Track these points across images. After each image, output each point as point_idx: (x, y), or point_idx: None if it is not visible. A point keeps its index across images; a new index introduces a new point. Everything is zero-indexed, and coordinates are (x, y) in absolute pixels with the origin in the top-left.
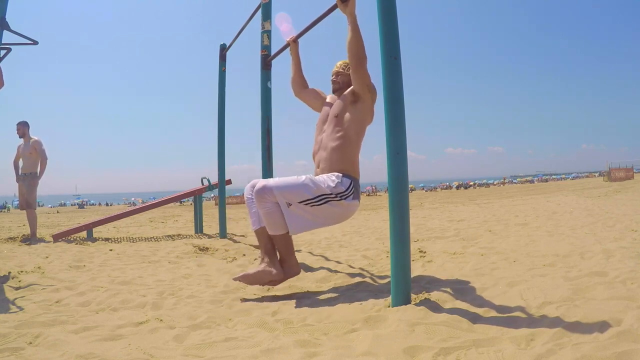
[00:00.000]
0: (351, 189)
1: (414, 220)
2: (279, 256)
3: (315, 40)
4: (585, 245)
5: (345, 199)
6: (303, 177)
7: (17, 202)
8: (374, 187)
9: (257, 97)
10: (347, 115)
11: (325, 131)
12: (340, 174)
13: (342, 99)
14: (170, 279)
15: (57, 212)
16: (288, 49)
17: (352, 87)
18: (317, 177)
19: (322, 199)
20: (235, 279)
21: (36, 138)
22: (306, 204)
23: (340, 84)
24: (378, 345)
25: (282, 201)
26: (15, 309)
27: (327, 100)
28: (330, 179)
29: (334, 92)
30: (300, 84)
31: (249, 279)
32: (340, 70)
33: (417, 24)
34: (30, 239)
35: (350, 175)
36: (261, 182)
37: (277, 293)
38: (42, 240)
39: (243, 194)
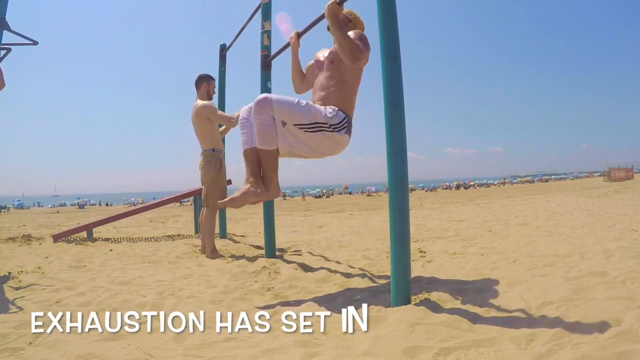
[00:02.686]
0: (344, 123)
1: (414, 220)
2: (264, 174)
3: (317, 40)
4: (585, 245)
5: (337, 131)
6: (303, 102)
7: (18, 202)
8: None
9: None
10: (343, 61)
11: (322, 75)
12: (337, 108)
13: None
14: (170, 279)
15: (57, 212)
16: (288, 49)
17: None
18: (315, 105)
19: (316, 126)
20: (221, 204)
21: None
22: (300, 128)
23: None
24: (378, 345)
25: (278, 118)
26: (15, 309)
27: (319, 53)
28: (327, 110)
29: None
30: (301, 82)
31: (236, 202)
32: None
33: (417, 24)
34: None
35: (346, 112)
36: (263, 94)
37: (278, 293)
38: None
39: None
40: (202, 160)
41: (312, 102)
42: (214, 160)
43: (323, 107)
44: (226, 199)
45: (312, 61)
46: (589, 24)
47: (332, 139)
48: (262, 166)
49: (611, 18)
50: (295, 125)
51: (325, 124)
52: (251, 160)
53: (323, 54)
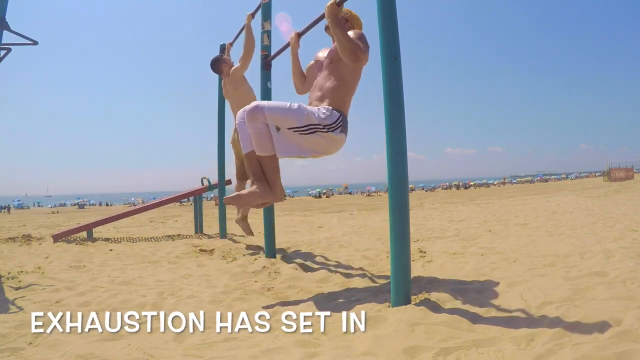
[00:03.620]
0: (339, 122)
1: (414, 220)
2: (266, 177)
3: (317, 40)
4: (585, 245)
5: (332, 131)
6: (295, 105)
7: (18, 202)
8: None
9: (257, 98)
10: (342, 60)
11: (321, 74)
12: (331, 107)
13: (335, 47)
14: (170, 279)
15: (57, 212)
16: (288, 49)
17: None
18: (308, 106)
19: (310, 128)
20: (226, 200)
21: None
22: (295, 131)
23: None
24: (378, 345)
25: (271, 124)
26: (15, 309)
27: (319, 53)
28: (320, 111)
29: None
30: (302, 83)
31: (240, 200)
32: None
33: (417, 24)
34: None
35: (340, 111)
36: (254, 103)
37: (278, 293)
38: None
39: None
40: (236, 134)
41: (305, 105)
42: None
43: (316, 108)
44: (231, 195)
45: (313, 61)
46: (589, 24)
47: (327, 138)
48: (263, 169)
49: (611, 18)
50: (289, 129)
51: (319, 124)
52: (252, 163)
53: (323, 54)
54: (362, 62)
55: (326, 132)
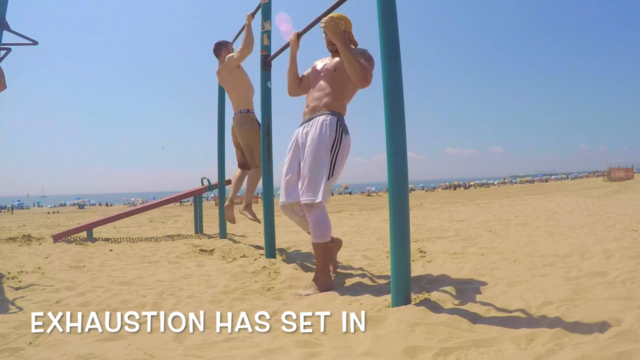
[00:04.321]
0: (339, 128)
1: (414, 220)
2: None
3: (316, 40)
4: (585, 245)
5: (340, 143)
6: (322, 166)
7: (18, 202)
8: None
9: (257, 98)
10: (345, 69)
11: (322, 79)
12: (328, 112)
13: (340, 60)
14: (170, 279)
15: (57, 212)
16: (288, 49)
17: None
18: (316, 151)
19: (331, 163)
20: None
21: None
22: (329, 179)
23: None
24: (378, 345)
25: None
26: (15, 309)
27: (318, 63)
28: (323, 136)
29: (332, 55)
30: (297, 85)
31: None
32: None
33: (417, 24)
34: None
35: (336, 112)
36: (320, 201)
37: (277, 293)
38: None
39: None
40: (237, 122)
41: (315, 151)
42: (249, 120)
43: (317, 133)
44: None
45: (310, 70)
46: (589, 24)
47: (342, 151)
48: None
49: (611, 18)
50: (328, 178)
51: (332, 151)
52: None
53: (322, 64)
54: (369, 83)
55: (338, 149)
